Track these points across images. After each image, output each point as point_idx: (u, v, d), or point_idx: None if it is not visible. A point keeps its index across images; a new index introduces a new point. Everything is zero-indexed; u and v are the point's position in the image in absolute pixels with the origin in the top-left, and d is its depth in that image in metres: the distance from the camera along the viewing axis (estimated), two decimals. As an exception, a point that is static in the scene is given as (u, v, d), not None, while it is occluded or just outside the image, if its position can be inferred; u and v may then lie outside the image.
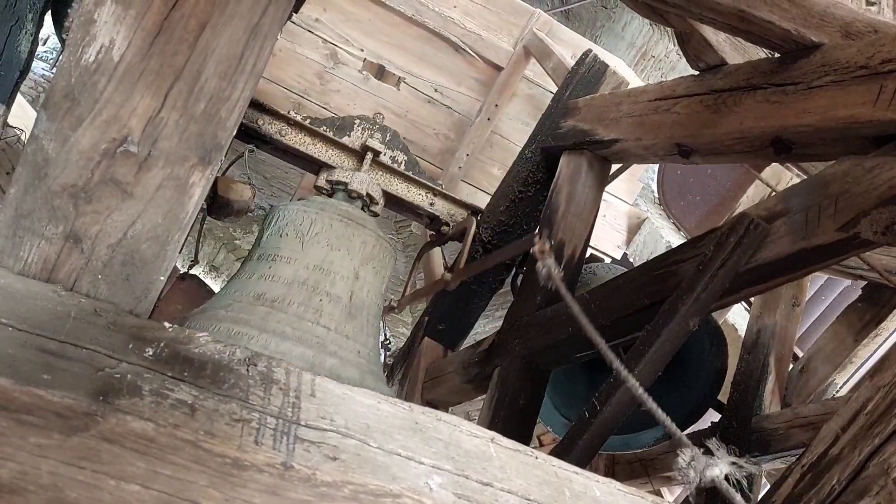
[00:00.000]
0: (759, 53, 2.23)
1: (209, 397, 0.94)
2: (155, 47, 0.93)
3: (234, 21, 0.93)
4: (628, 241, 5.29)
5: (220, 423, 0.91)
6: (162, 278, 1.06)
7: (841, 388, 3.19)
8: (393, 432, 1.04)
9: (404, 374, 3.77)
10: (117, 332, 0.97)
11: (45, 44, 5.16)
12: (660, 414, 1.46)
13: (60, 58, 0.91)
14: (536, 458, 1.16)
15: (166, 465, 0.86)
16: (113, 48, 0.92)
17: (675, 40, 2.49)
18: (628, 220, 5.28)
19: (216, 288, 7.19)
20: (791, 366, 3.28)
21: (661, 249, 5.48)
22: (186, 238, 1.23)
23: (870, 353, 3.14)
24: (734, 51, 2.29)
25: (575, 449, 2.12)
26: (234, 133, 1.03)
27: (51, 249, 1.01)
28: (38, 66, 5.17)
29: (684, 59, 2.45)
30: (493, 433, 1.16)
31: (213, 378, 0.97)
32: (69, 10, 3.34)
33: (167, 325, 1.04)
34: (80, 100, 0.93)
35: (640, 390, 1.53)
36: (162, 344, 0.99)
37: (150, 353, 0.96)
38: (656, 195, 6.49)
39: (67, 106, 0.93)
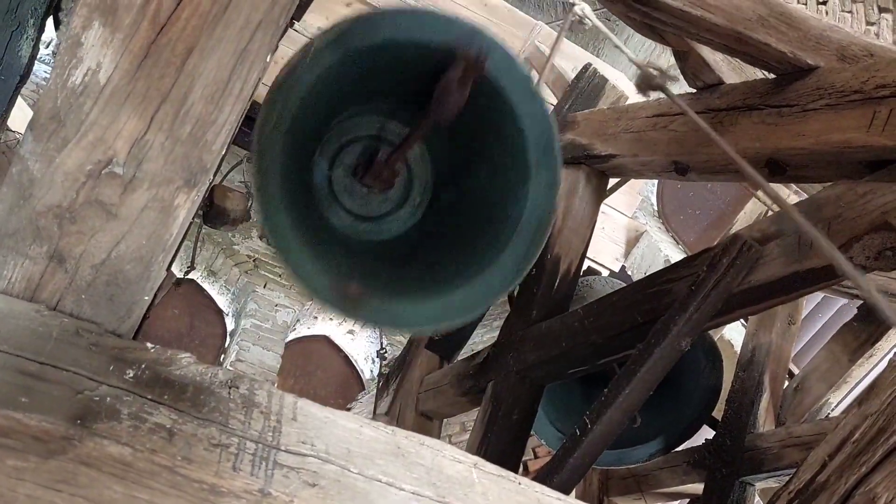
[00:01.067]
0: (757, 73, 2.24)
1: (188, 421, 0.94)
2: (142, 70, 0.93)
3: (221, 46, 0.93)
4: (626, 254, 5.29)
5: (198, 449, 0.91)
6: (146, 298, 1.06)
7: (835, 407, 3.19)
8: (374, 457, 1.04)
9: (399, 385, 3.77)
10: (99, 353, 0.97)
11: (47, 46, 5.17)
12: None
13: (47, 80, 0.91)
14: (520, 483, 1.16)
15: (143, 489, 0.86)
16: (100, 71, 0.92)
17: (672, 55, 2.50)
18: (627, 232, 5.29)
19: (214, 293, 7.19)
20: (786, 384, 3.28)
21: (660, 262, 5.48)
22: (182, 243, 1.23)
23: (864, 373, 3.14)
24: (731, 70, 2.30)
25: (566, 466, 2.12)
26: (223, 155, 1.03)
27: (34, 269, 1.01)
28: (39, 69, 5.19)
29: (684, 75, 2.45)
30: (476, 458, 1.15)
31: (194, 401, 0.97)
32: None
33: (149, 345, 1.04)
34: (65, 121, 0.93)
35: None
36: (143, 366, 0.99)
37: (131, 374, 0.96)
38: (656, 208, 6.50)
39: (53, 127, 0.94)
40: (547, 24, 5.20)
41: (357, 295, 1.42)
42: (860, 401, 1.40)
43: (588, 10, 4.14)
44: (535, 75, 4.62)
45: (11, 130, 3.29)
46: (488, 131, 1.69)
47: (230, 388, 1.03)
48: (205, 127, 0.97)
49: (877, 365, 3.14)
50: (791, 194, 3.46)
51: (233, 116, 0.97)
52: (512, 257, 1.61)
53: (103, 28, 0.90)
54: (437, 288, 1.63)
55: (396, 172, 1.81)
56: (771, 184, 3.41)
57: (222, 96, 0.95)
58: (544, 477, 2.17)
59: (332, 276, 1.40)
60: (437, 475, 1.08)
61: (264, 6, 0.92)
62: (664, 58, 6.76)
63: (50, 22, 3.22)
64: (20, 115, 3.83)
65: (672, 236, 6.05)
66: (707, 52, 2.24)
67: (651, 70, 1.81)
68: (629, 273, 5.79)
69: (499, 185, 1.70)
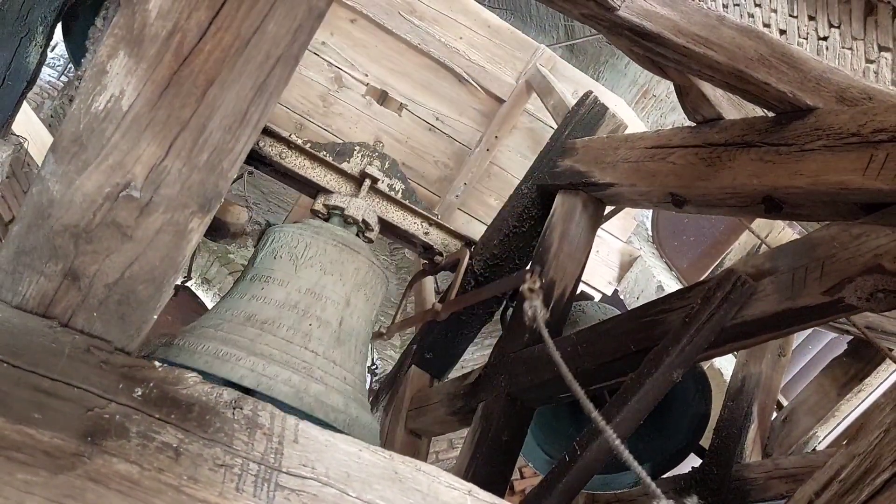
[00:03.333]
0: (756, 110, 2.28)
1: (194, 441, 0.96)
2: (163, 99, 0.96)
3: (241, 79, 0.96)
4: (620, 278, 5.32)
5: (203, 469, 0.93)
6: (154, 317, 1.09)
7: (822, 441, 3.22)
8: (372, 481, 1.06)
9: (389, 401, 3.78)
10: (109, 370, 1.00)
11: (52, 50, 5.19)
12: (634, 465, 1.48)
13: (71, 105, 0.94)
14: (513, 511, 1.18)
15: (149, 507, 0.88)
16: (122, 98, 0.95)
17: (674, 89, 2.54)
18: (621, 256, 5.32)
19: (208, 301, 7.20)
20: (774, 415, 3.30)
21: (653, 288, 5.52)
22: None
23: (852, 408, 3.17)
24: (731, 106, 2.34)
25: (554, 492, 2.13)
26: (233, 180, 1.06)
27: (49, 285, 1.03)
28: (43, 73, 5.21)
29: (684, 104, 2.49)
30: (470, 485, 1.17)
31: (200, 421, 0.99)
32: (77, 22, 3.38)
33: (157, 364, 1.06)
34: (87, 145, 0.96)
35: (617, 441, 1.55)
36: (151, 384, 1.01)
37: (139, 393, 0.98)
38: (650, 233, 6.54)
39: (75, 150, 0.96)
40: (549, 46, 5.25)
41: None
42: (848, 440, 1.43)
43: None
44: (526, 134, 4.69)
45: (15, 134, 3.32)
46: None
47: (234, 408, 1.05)
48: (221, 155, 0.99)
49: (864, 400, 3.17)
50: (785, 226, 3.50)
51: (248, 145, 1.00)
52: None
53: (128, 58, 0.93)
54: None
55: None
56: (765, 219, 3.46)
57: (240, 126, 0.98)
58: (532, 501, 2.19)
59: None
60: (433, 501, 1.10)
61: (284, 42, 0.95)
62: (663, 84, 6.82)
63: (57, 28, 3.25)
64: (24, 119, 3.85)
65: (666, 262, 6.10)
66: (708, 88, 2.28)
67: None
68: (622, 297, 5.82)
69: None
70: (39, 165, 4.86)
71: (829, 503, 1.39)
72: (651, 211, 6.56)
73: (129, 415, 0.94)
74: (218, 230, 2.74)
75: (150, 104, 0.96)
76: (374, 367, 4.36)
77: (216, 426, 1.00)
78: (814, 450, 3.19)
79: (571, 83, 4.57)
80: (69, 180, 0.98)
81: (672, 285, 5.67)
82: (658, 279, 5.52)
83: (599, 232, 3.62)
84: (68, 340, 1.01)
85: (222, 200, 1.05)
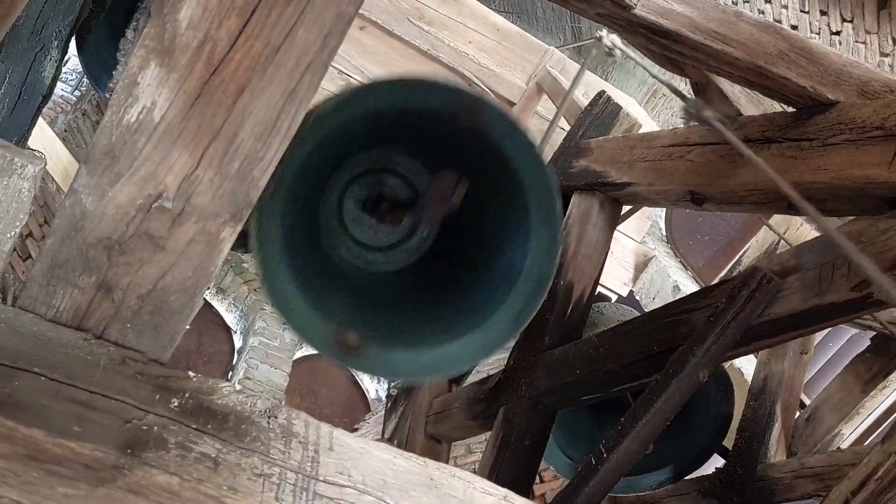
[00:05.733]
0: (775, 106, 2.26)
1: (232, 451, 0.96)
2: (194, 109, 0.96)
3: (272, 86, 0.96)
4: (635, 279, 5.30)
5: (242, 478, 0.92)
6: (187, 327, 1.09)
7: (847, 438, 3.19)
8: (409, 489, 1.06)
9: (408, 407, 3.77)
10: (144, 381, 1.00)
11: (65, 65, 5.23)
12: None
13: (103, 117, 0.94)
14: (549, 516, 1.17)
15: (189, 519, 0.88)
16: (154, 109, 0.95)
17: (690, 86, 2.53)
18: (636, 257, 5.30)
19: (222, 310, 7.22)
20: (798, 414, 3.28)
21: (668, 288, 5.49)
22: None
23: (877, 404, 3.14)
24: (749, 103, 2.32)
25: (580, 496, 2.12)
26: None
27: (82, 298, 1.04)
28: (57, 88, 5.24)
29: (699, 101, 2.47)
30: (506, 491, 1.17)
31: (236, 431, 0.99)
32: (91, 36, 3.40)
33: (191, 374, 1.06)
34: (119, 157, 0.96)
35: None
36: (187, 394, 1.01)
37: (176, 403, 0.98)
38: (664, 233, 6.52)
39: (107, 163, 0.96)
40: (557, 48, 5.24)
41: (356, 343, 1.45)
42: (884, 438, 1.41)
43: (618, 40, 4.12)
44: (536, 135, 4.66)
45: (31, 149, 3.33)
46: (493, 189, 1.72)
47: (269, 417, 1.05)
48: (252, 164, 0.99)
49: (889, 396, 3.15)
50: (803, 223, 3.48)
51: (279, 154, 0.99)
52: (509, 313, 1.65)
53: (160, 68, 0.93)
54: (434, 339, 1.66)
55: (406, 213, 1.84)
56: (783, 215, 3.44)
57: (270, 135, 0.98)
58: (560, 504, 2.18)
59: (331, 325, 1.43)
60: (470, 507, 1.09)
61: (314, 49, 0.95)
62: (673, 84, 6.79)
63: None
64: (39, 134, 3.88)
65: (681, 262, 6.07)
66: (726, 85, 2.26)
67: (700, 103, 1.85)
68: (637, 298, 5.79)
69: (500, 240, 1.73)
70: (55, 180, 4.87)
71: (865, 502, 1.38)
72: (664, 210, 6.54)
73: (167, 425, 0.94)
74: (237, 239, 2.74)
75: (182, 114, 0.96)
76: (392, 372, 4.35)
77: (252, 435, 1.00)
78: (839, 448, 3.16)
79: (582, 85, 4.56)
80: (102, 192, 0.98)
81: (689, 285, 5.65)
82: (674, 279, 5.49)
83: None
84: (103, 352, 1.01)
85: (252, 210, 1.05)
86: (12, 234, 1.00)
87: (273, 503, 0.92)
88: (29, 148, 3.29)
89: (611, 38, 3.38)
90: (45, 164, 0.99)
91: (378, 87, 1.39)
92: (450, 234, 1.93)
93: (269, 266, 1.32)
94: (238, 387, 1.07)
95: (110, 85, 2.84)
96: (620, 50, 3.41)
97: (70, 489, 0.85)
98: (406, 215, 1.85)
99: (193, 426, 0.97)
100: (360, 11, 3.91)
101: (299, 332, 1.40)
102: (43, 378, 0.91)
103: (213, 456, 0.94)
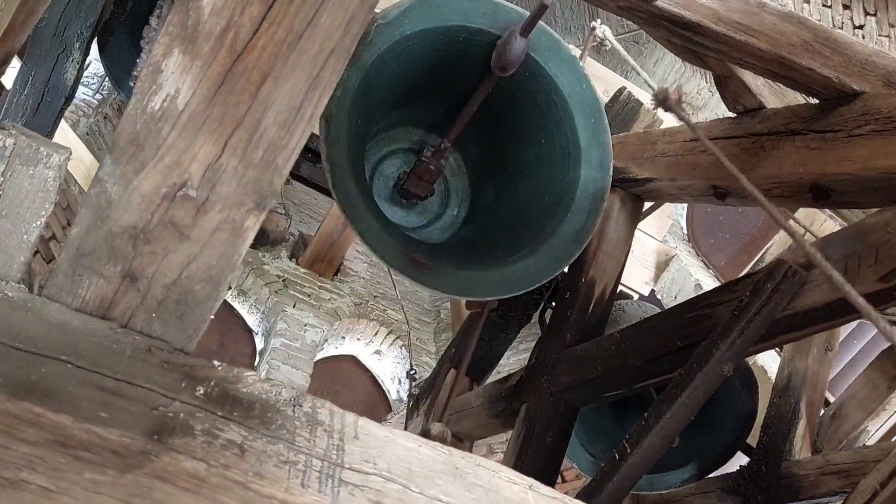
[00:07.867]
0: (798, 98, 2.24)
1: (258, 438, 0.96)
2: (218, 97, 0.96)
3: (295, 73, 0.96)
4: (656, 278, 5.26)
5: (268, 465, 0.92)
6: (211, 317, 1.09)
7: (873, 435, 3.15)
8: (434, 477, 1.05)
9: (429, 406, 3.77)
10: (170, 370, 1.00)
11: (86, 69, 5.28)
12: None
13: (127, 105, 0.94)
14: (574, 506, 1.17)
15: (215, 504, 0.88)
16: (178, 97, 0.95)
17: (709, 80, 2.51)
18: (657, 256, 5.26)
19: (244, 312, 7.25)
20: (822, 411, 3.24)
21: (690, 287, 5.45)
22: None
23: (904, 400, 3.11)
24: (772, 95, 2.30)
25: (604, 491, 2.11)
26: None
27: (108, 287, 1.04)
28: (79, 91, 5.30)
29: (715, 98, 2.46)
30: (531, 480, 1.16)
31: (262, 418, 0.99)
32: (112, 38, 3.43)
33: (216, 363, 1.06)
34: (144, 145, 0.96)
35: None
36: (212, 383, 1.01)
37: (202, 391, 0.99)
38: (685, 231, 6.47)
39: (132, 151, 0.97)
40: (577, 46, 5.22)
41: (424, 264, 1.47)
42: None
43: (608, 32, 4.16)
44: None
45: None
46: (535, 116, 1.75)
47: (294, 406, 1.05)
48: (276, 151, 0.99)
49: (916, 392, 3.11)
50: (827, 219, 3.44)
51: (302, 141, 0.99)
52: (570, 232, 1.70)
53: (183, 56, 0.93)
54: (499, 262, 1.69)
55: (435, 176, 1.86)
56: (808, 209, 3.40)
57: (294, 122, 0.98)
58: (583, 501, 2.17)
59: (400, 246, 1.45)
60: (495, 496, 1.09)
61: (337, 35, 0.95)
62: (693, 82, 6.76)
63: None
64: (62, 136, 3.91)
65: (702, 260, 6.02)
66: (749, 77, 2.24)
67: (668, 91, 1.87)
68: (659, 297, 5.76)
69: (549, 169, 1.76)
70: (77, 182, 4.91)
71: (895, 493, 1.36)
72: (685, 209, 6.50)
73: (193, 413, 0.94)
74: (258, 237, 2.76)
75: (206, 102, 0.96)
76: (413, 371, 4.35)
77: (278, 423, 1.00)
78: (864, 444, 3.13)
79: (602, 82, 4.54)
80: (127, 181, 0.98)
81: (710, 283, 5.61)
82: (696, 278, 5.45)
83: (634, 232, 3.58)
84: (129, 341, 1.02)
85: (276, 198, 1.05)
86: (38, 223, 1.01)
87: (299, 490, 0.92)
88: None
89: (602, 30, 3.47)
90: (70, 155, 1.00)
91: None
92: (487, 188, 1.94)
93: (337, 174, 1.34)
94: (263, 376, 1.08)
95: (134, 73, 2.87)
96: (610, 42, 3.49)
97: (97, 475, 0.85)
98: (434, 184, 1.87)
99: (219, 413, 0.97)
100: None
101: (370, 247, 1.42)
102: (69, 365, 0.92)
103: (238, 443, 0.94)
